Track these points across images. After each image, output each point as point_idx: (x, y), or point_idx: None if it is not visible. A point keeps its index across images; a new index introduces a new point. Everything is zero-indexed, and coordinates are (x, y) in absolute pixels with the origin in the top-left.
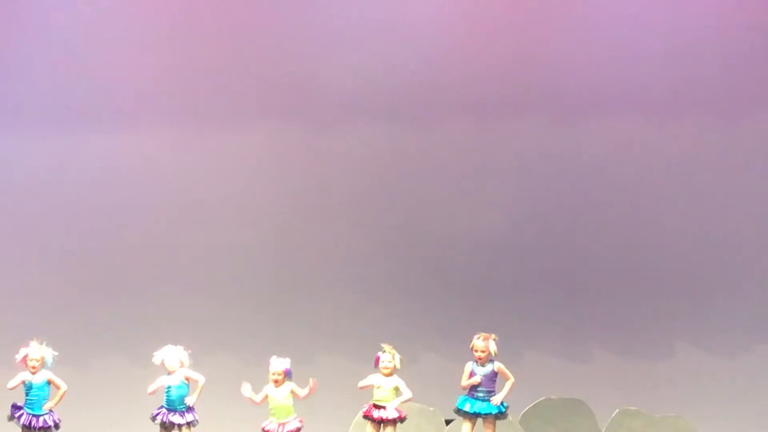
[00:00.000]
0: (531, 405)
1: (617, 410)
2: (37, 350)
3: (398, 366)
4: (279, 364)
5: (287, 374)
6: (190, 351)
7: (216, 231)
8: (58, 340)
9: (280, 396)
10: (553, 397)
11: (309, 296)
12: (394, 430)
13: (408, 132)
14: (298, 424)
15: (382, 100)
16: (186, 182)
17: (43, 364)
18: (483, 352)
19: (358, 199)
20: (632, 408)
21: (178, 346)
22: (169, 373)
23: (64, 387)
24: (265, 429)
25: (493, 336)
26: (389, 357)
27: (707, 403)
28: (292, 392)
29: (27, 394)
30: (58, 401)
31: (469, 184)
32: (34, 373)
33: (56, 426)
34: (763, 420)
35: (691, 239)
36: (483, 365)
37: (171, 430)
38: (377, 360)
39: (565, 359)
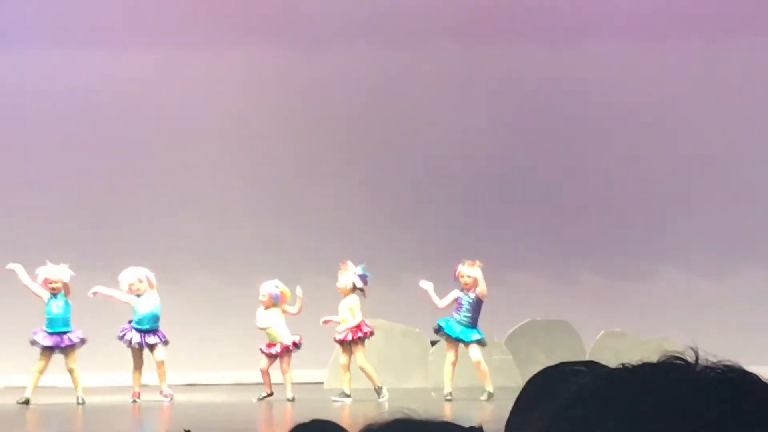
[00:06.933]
0: (516, 326)
1: (602, 332)
2: (55, 271)
3: (356, 285)
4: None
5: (273, 298)
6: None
7: (201, 154)
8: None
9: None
10: (538, 318)
11: (292, 218)
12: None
13: (397, 55)
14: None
15: (371, 22)
16: (172, 104)
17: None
18: (469, 277)
19: (344, 122)
20: (617, 330)
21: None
22: (138, 294)
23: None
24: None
25: (478, 262)
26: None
27: (692, 324)
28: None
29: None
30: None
31: (457, 107)
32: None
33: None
34: (748, 340)
35: (677, 163)
36: (468, 292)
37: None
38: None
39: (551, 281)
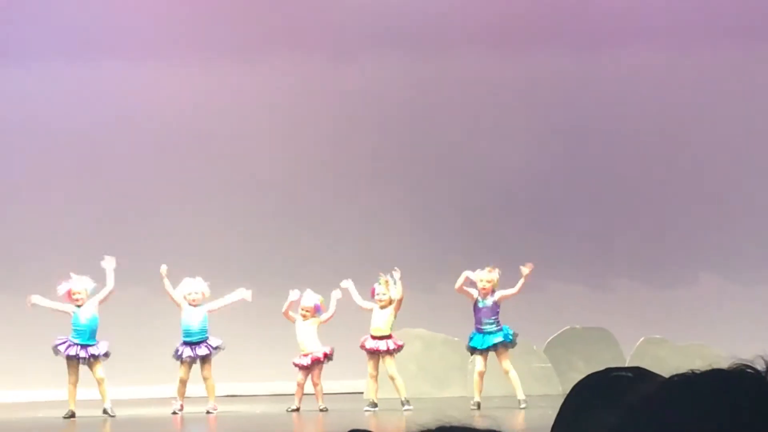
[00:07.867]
0: (555, 334)
1: (642, 339)
2: (79, 283)
3: (394, 297)
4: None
5: (317, 310)
6: (208, 282)
7: (232, 165)
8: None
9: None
10: (577, 326)
11: (326, 228)
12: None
13: (429, 63)
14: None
15: (401, 31)
16: (205, 117)
17: (87, 296)
18: (489, 282)
19: (377, 132)
20: (657, 336)
21: (197, 278)
22: (191, 305)
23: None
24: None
25: (497, 269)
26: (383, 289)
27: (731, 329)
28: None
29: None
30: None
31: (491, 115)
32: (80, 306)
33: (105, 355)
34: None
35: (713, 169)
36: (485, 297)
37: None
38: (372, 292)
39: (589, 289)
